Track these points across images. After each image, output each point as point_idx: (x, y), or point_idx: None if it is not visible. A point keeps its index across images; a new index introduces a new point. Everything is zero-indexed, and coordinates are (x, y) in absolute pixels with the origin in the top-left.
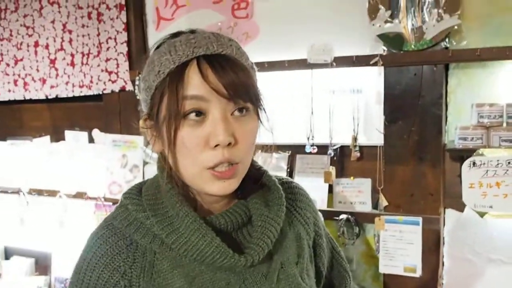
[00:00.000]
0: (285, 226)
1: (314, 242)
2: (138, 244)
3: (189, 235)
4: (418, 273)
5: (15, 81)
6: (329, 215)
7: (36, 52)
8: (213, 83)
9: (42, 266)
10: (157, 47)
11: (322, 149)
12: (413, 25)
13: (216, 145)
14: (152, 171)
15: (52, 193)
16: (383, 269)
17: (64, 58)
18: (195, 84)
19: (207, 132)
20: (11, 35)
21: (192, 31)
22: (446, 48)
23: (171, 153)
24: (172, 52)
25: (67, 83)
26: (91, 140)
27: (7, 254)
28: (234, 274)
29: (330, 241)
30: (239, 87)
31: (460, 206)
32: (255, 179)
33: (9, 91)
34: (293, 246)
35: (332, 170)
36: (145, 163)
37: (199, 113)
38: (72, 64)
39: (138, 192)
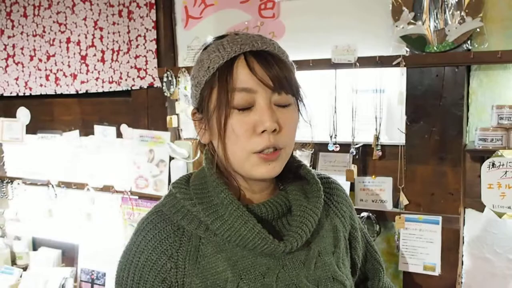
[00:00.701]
0: (323, 217)
1: (349, 234)
2: (184, 230)
3: (232, 222)
4: (437, 272)
5: (47, 76)
6: None
7: (67, 48)
8: (260, 75)
9: (68, 257)
10: (205, 48)
11: (345, 147)
12: (435, 27)
13: (263, 131)
14: (177, 166)
15: (80, 186)
16: (403, 267)
17: (94, 55)
18: (243, 76)
19: (254, 120)
20: (44, 31)
21: (236, 33)
22: (468, 50)
23: (221, 140)
24: (221, 50)
25: (97, 78)
26: (119, 135)
27: (35, 245)
28: (274, 259)
29: (365, 236)
30: (282, 79)
31: (480, 206)
32: (295, 173)
33: (41, 85)
34: (330, 236)
35: (354, 168)
36: (171, 158)
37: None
38: (103, 60)
39: (186, 182)
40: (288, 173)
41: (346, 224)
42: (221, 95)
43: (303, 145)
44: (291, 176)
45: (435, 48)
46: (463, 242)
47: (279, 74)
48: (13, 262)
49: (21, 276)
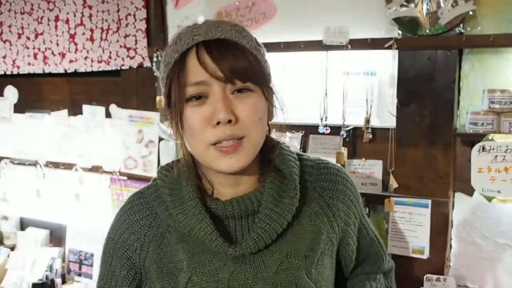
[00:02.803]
0: (305, 217)
1: (342, 232)
2: (157, 215)
3: (190, 218)
4: (426, 255)
5: (35, 55)
6: None
7: (56, 27)
8: (210, 68)
9: (56, 237)
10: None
11: (335, 130)
12: (428, 9)
13: (218, 123)
14: (167, 147)
15: (68, 166)
16: (392, 250)
17: (83, 33)
18: (194, 70)
19: (208, 112)
20: (32, 9)
21: (201, 22)
22: (461, 33)
23: (179, 135)
24: (177, 42)
25: (86, 58)
26: (108, 115)
27: (23, 225)
28: (234, 257)
29: (365, 226)
30: (237, 69)
31: (469, 190)
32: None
33: (29, 64)
34: (308, 238)
35: (344, 151)
36: (160, 139)
37: (200, 97)
38: (92, 39)
39: (171, 169)
40: (269, 165)
41: (336, 224)
42: (175, 90)
43: (277, 128)
44: (271, 169)
45: (427, 31)
46: (452, 226)
47: (232, 64)
48: (1, 242)
49: (8, 256)
